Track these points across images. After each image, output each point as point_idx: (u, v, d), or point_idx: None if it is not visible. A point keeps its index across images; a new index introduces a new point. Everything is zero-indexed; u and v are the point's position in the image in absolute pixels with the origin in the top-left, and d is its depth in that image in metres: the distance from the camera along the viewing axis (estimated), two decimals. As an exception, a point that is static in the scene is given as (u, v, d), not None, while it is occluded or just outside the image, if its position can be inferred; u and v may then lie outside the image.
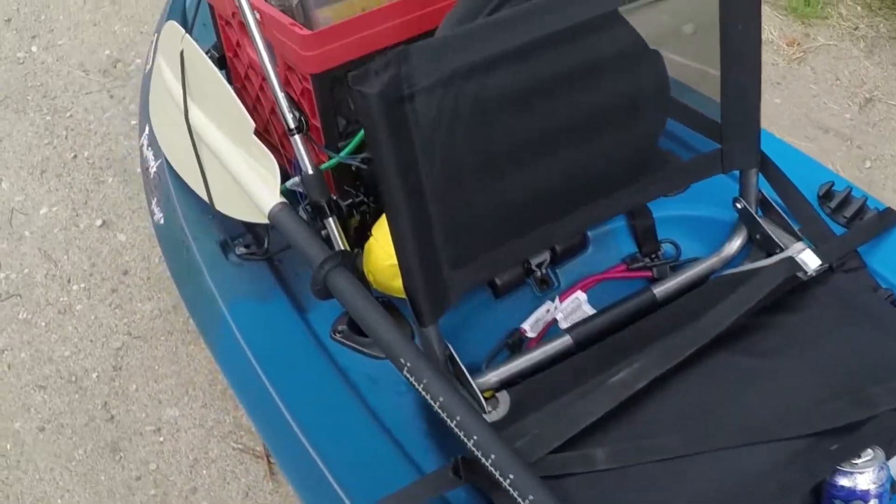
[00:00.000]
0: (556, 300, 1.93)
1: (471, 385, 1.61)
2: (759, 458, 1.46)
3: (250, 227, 1.99)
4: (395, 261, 1.58)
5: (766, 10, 3.55)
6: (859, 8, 3.57)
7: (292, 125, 1.73)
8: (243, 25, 1.98)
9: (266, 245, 1.96)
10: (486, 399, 1.63)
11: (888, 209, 1.88)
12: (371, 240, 1.82)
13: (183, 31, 2.06)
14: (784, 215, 1.86)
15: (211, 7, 2.15)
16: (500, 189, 1.63)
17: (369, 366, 1.73)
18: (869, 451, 1.42)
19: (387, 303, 1.79)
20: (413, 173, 1.50)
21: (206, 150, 1.99)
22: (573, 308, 1.95)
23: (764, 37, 3.43)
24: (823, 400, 1.52)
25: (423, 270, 1.56)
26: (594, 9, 1.59)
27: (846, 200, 1.92)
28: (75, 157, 3.01)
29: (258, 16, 1.79)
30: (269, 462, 2.25)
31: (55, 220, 2.82)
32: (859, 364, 1.60)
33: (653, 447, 1.50)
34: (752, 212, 1.87)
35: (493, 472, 1.36)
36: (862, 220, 1.88)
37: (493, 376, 1.71)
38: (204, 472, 2.25)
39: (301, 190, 1.82)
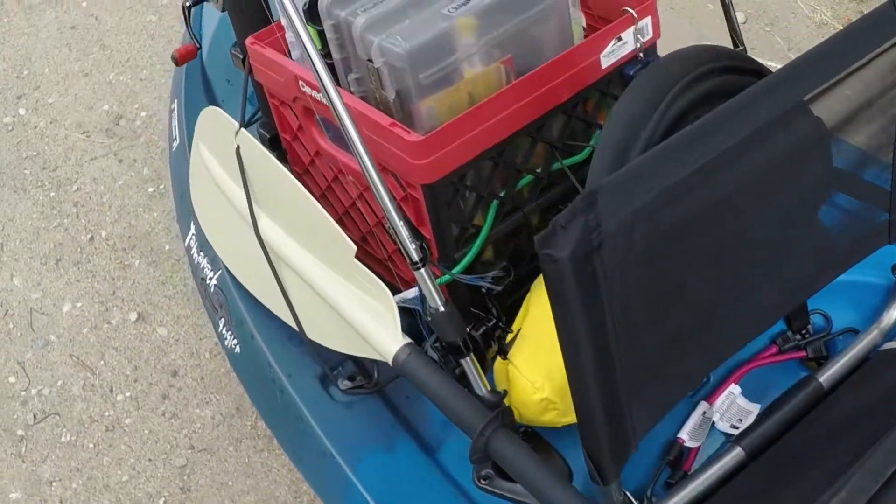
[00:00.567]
0: (709, 399, 1.71)
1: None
2: None
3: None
4: (544, 394, 1.49)
5: (814, -12, 3.29)
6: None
7: (416, 258, 1.44)
8: (308, 112, 1.70)
9: (376, 375, 1.69)
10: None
11: None
12: (512, 370, 1.57)
13: (235, 123, 1.77)
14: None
15: (258, 84, 1.85)
16: (689, 310, 1.41)
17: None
18: None
19: (533, 434, 1.59)
20: (599, 326, 1.25)
21: (288, 270, 1.71)
22: (729, 404, 1.74)
23: (818, 19, 3.19)
24: None
25: (608, 424, 1.32)
26: (784, 102, 1.32)
27: None
28: (92, 238, 2.69)
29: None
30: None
31: (82, 319, 2.52)
32: None
33: None
34: None
35: None
36: None
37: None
38: None
39: (416, 307, 1.56)
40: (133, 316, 2.50)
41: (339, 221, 1.67)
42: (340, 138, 1.79)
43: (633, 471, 1.61)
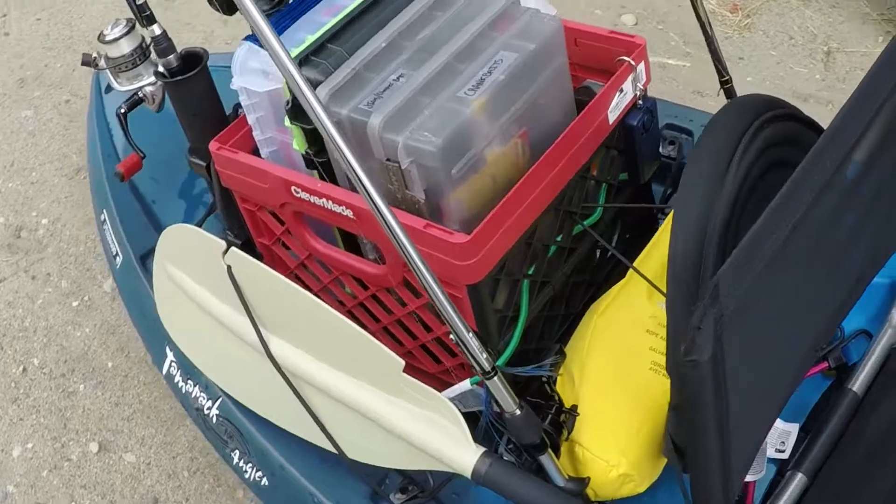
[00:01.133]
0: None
1: None
2: None
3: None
4: (622, 470, 1.47)
5: (694, -21, 3.32)
6: (780, -47, 3.39)
7: (488, 367, 1.34)
8: (299, 215, 1.58)
9: (432, 482, 1.58)
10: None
11: None
12: (581, 451, 1.50)
13: (218, 241, 1.62)
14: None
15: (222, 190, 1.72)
16: (774, 360, 1.39)
17: None
18: None
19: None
20: (725, 408, 1.22)
21: (311, 390, 1.58)
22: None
23: (706, 8, 3.22)
24: None
25: (721, 477, 1.29)
26: (836, 159, 1.30)
27: None
28: (24, 370, 2.45)
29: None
30: None
31: (38, 461, 2.28)
32: None
33: None
34: None
35: None
36: None
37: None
38: None
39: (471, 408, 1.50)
40: (94, 447, 2.28)
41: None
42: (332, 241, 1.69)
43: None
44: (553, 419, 1.51)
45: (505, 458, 1.47)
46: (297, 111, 1.53)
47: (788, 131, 1.44)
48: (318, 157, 1.56)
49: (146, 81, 1.84)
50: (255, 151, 1.71)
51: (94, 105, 2.42)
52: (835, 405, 1.63)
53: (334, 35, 1.55)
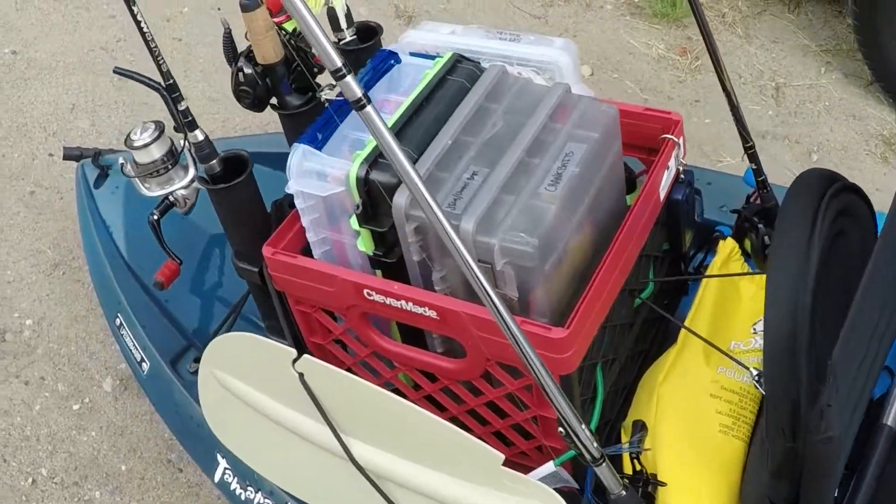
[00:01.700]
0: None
1: None
2: None
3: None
4: None
5: (639, 25, 3.44)
6: (714, -8, 3.53)
7: (597, 455, 1.37)
8: (364, 316, 1.57)
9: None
10: None
11: None
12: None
13: (288, 349, 1.61)
14: None
15: (279, 293, 1.70)
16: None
17: None
18: None
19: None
20: None
21: (403, 492, 1.58)
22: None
23: (655, 54, 3.33)
24: None
25: None
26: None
27: None
28: (34, 482, 2.35)
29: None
30: None
31: (64, 578, 2.20)
32: None
33: None
34: None
35: None
36: None
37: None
38: None
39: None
40: (122, 557, 2.21)
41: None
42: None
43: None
44: (643, 492, 1.55)
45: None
46: (367, 215, 1.53)
47: (848, 203, 1.51)
48: (387, 258, 1.56)
49: (178, 185, 1.80)
50: (305, 251, 1.70)
51: (84, 202, 2.35)
52: (874, 445, 1.69)
53: (396, 135, 1.55)
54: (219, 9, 3.57)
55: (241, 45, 1.74)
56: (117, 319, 2.13)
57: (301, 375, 1.60)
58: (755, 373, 1.62)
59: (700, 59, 3.32)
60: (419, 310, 1.51)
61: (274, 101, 1.79)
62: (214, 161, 1.70)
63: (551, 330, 1.40)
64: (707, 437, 1.62)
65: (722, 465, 1.60)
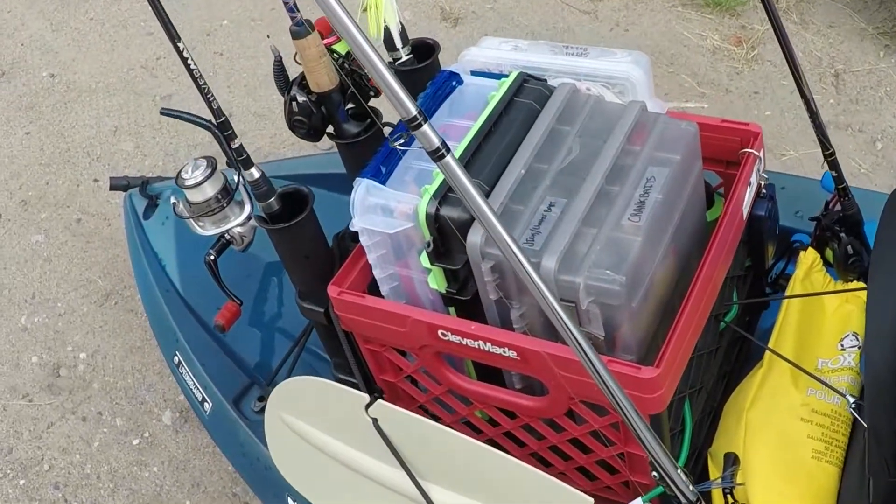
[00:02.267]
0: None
1: None
2: None
3: None
4: None
5: (691, 15, 3.33)
6: (770, -23, 3.41)
7: (693, 499, 1.30)
8: (438, 355, 1.50)
9: None
10: None
11: None
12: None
13: (360, 395, 1.54)
14: None
15: (346, 333, 1.63)
16: None
17: None
18: None
19: None
20: None
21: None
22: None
23: (709, 45, 3.22)
24: None
25: None
26: None
27: None
28: (97, 521, 2.32)
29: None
30: None
31: None
32: None
33: None
34: None
35: None
36: None
37: None
38: None
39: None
40: None
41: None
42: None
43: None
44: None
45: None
46: (438, 252, 1.46)
47: None
48: (460, 296, 1.49)
49: (234, 223, 1.74)
50: (372, 287, 1.62)
51: (134, 234, 2.29)
52: None
53: (465, 165, 1.47)
54: (268, 36, 3.49)
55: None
56: (175, 357, 2.07)
57: (375, 421, 1.53)
58: (852, 401, 1.54)
59: (756, 48, 3.21)
60: (498, 350, 1.43)
61: (330, 129, 1.71)
62: (273, 199, 1.62)
63: (641, 370, 1.32)
64: (800, 464, 1.55)
65: (816, 493, 1.52)
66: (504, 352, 1.43)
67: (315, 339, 1.88)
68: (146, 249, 2.25)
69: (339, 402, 1.57)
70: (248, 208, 1.73)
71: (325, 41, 1.65)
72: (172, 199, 1.74)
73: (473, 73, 1.67)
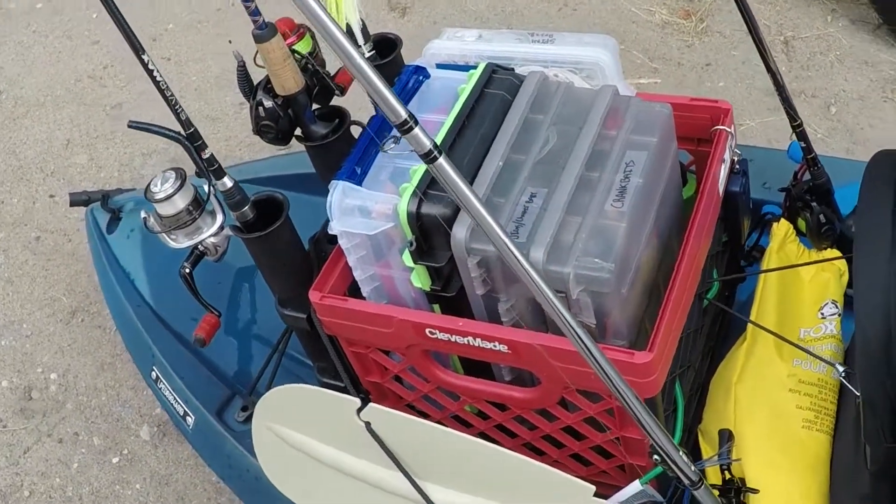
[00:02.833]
0: None
1: None
2: None
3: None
4: None
5: (637, -10, 3.33)
6: (709, -55, 3.42)
7: (696, 479, 1.30)
8: (426, 353, 1.49)
9: None
10: None
11: None
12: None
13: (350, 399, 1.53)
14: None
15: (331, 338, 1.61)
16: None
17: None
18: None
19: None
20: None
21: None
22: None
23: (658, 20, 3.23)
24: None
25: None
26: None
27: None
28: (84, 545, 2.28)
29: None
30: None
31: None
32: None
33: None
34: None
35: None
36: None
37: None
38: None
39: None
40: None
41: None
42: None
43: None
44: (736, 500, 1.49)
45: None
46: (421, 251, 1.44)
47: None
48: (446, 293, 1.48)
49: (207, 234, 1.70)
50: (353, 289, 1.61)
51: (99, 250, 2.25)
52: None
53: (441, 161, 1.46)
54: (230, 41, 3.43)
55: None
56: (153, 372, 2.04)
57: (367, 424, 1.52)
58: (842, 370, 1.55)
59: (705, 20, 3.23)
60: (488, 345, 1.42)
61: (298, 131, 1.69)
62: (247, 207, 1.60)
63: (634, 355, 1.32)
64: (791, 434, 1.56)
65: (809, 462, 1.54)
66: (494, 346, 1.42)
67: (294, 344, 1.86)
68: (113, 265, 2.21)
69: (328, 408, 1.55)
70: (220, 218, 1.70)
71: (286, 41, 1.62)
72: (143, 214, 1.71)
73: (439, 66, 1.66)
